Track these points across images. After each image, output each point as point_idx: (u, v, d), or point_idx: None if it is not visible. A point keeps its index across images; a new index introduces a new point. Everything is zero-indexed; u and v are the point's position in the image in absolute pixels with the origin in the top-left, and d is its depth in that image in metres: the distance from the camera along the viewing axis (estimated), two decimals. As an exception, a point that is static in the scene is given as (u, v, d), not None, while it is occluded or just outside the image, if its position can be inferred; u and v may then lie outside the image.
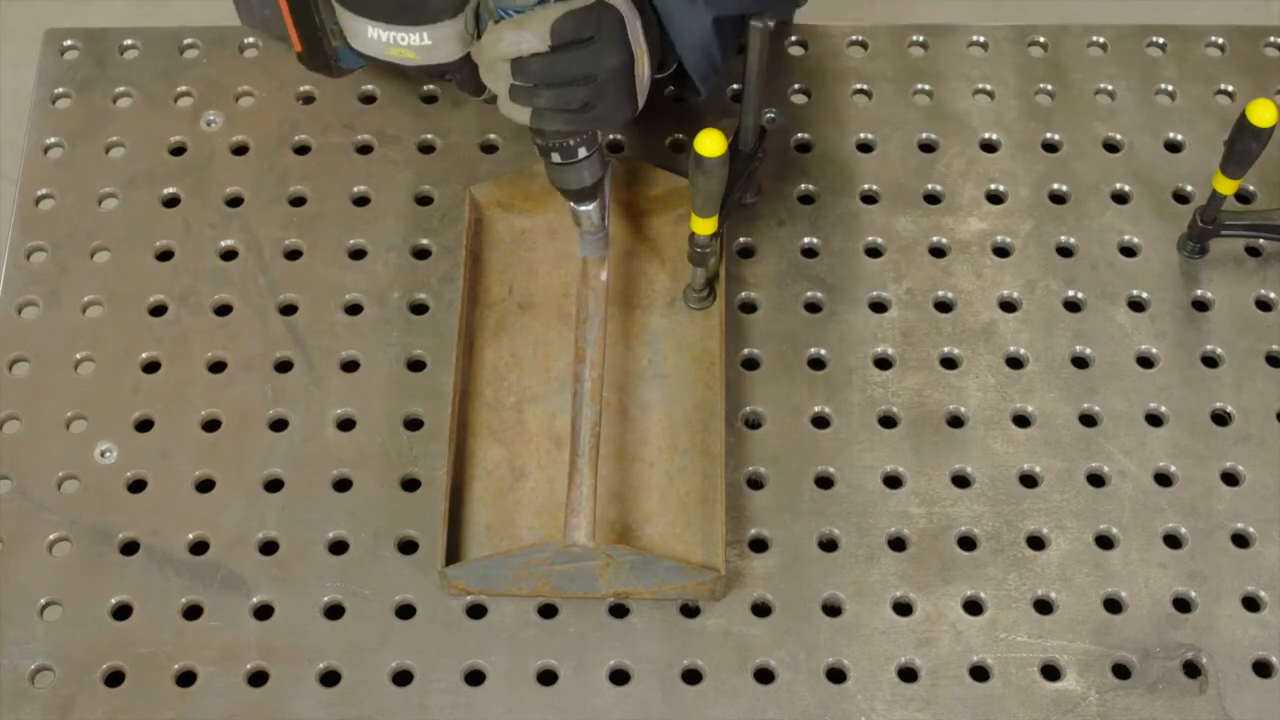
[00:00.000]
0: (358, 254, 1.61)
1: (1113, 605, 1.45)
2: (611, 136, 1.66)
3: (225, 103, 1.69)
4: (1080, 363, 1.56)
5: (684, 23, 1.44)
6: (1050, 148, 1.68)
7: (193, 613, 1.44)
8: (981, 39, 1.74)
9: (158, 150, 1.67)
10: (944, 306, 1.59)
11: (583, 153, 1.42)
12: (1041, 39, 1.74)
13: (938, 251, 1.62)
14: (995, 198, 1.65)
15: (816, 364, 1.56)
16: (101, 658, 1.42)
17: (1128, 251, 1.62)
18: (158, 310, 1.58)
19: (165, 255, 1.61)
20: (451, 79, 1.43)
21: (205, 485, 1.50)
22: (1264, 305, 1.59)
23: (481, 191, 1.58)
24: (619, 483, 1.48)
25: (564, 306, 1.55)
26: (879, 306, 1.59)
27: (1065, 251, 1.62)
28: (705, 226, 1.46)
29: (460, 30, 1.36)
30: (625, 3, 1.36)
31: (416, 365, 1.55)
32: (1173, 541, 1.48)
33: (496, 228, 1.60)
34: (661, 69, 1.46)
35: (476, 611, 1.44)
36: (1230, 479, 1.51)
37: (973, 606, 1.45)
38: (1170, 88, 1.71)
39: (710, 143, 1.37)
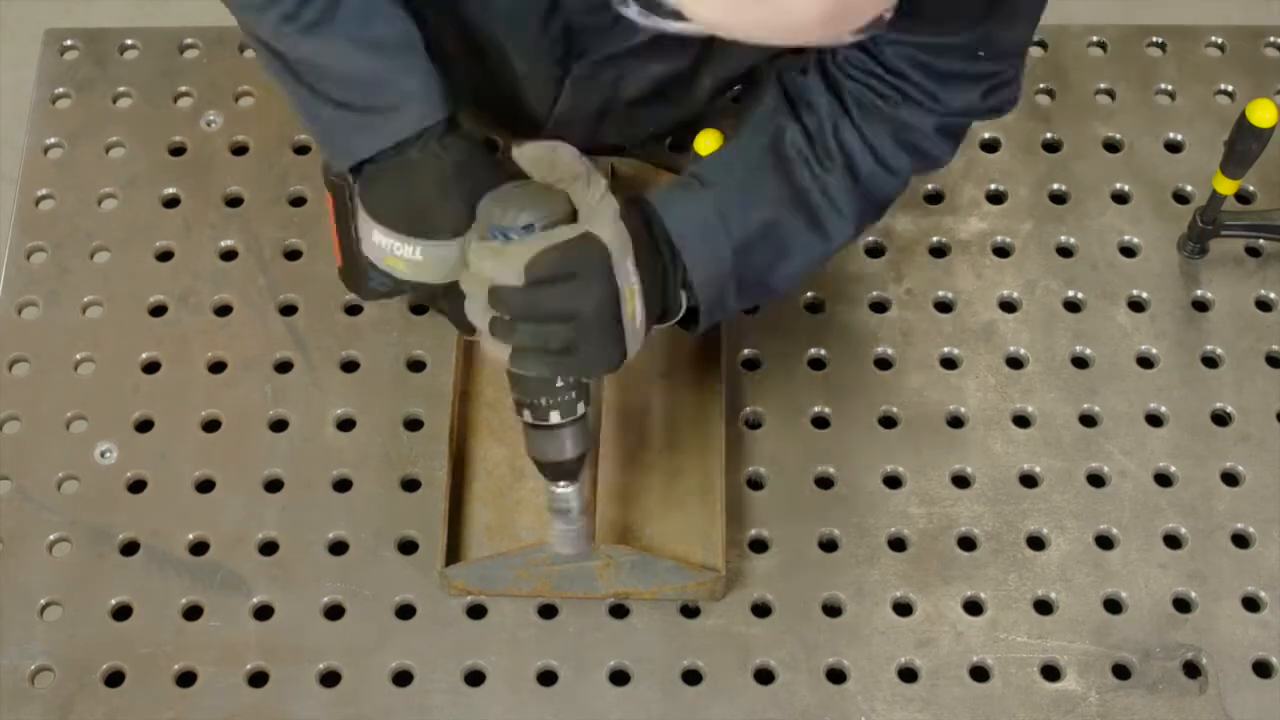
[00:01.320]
0: (358, 254, 1.61)
1: (1113, 605, 1.45)
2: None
3: (225, 103, 1.69)
4: (1080, 363, 1.56)
5: (701, 255, 1.33)
6: (1050, 148, 1.68)
7: (193, 613, 1.44)
8: (981, 39, 1.74)
9: (158, 150, 1.67)
10: (944, 306, 1.59)
11: (555, 418, 1.30)
12: (1042, 39, 1.74)
13: (938, 251, 1.62)
14: (995, 198, 1.65)
15: (816, 364, 1.56)
16: (101, 658, 1.42)
17: (1128, 251, 1.62)
18: (158, 310, 1.58)
19: (165, 255, 1.61)
20: (441, 309, 1.42)
21: (205, 485, 1.50)
22: (1264, 305, 1.59)
23: None
24: (619, 483, 1.48)
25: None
26: (879, 306, 1.59)
27: (1065, 251, 1.62)
28: None
29: (455, 255, 1.31)
30: (617, 237, 1.26)
31: (416, 365, 1.55)
32: (1173, 541, 1.48)
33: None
34: (664, 318, 1.35)
35: (476, 611, 1.44)
36: (1230, 479, 1.51)
37: (973, 607, 1.45)
38: (1170, 88, 1.71)
39: (710, 143, 1.37)
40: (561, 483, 1.35)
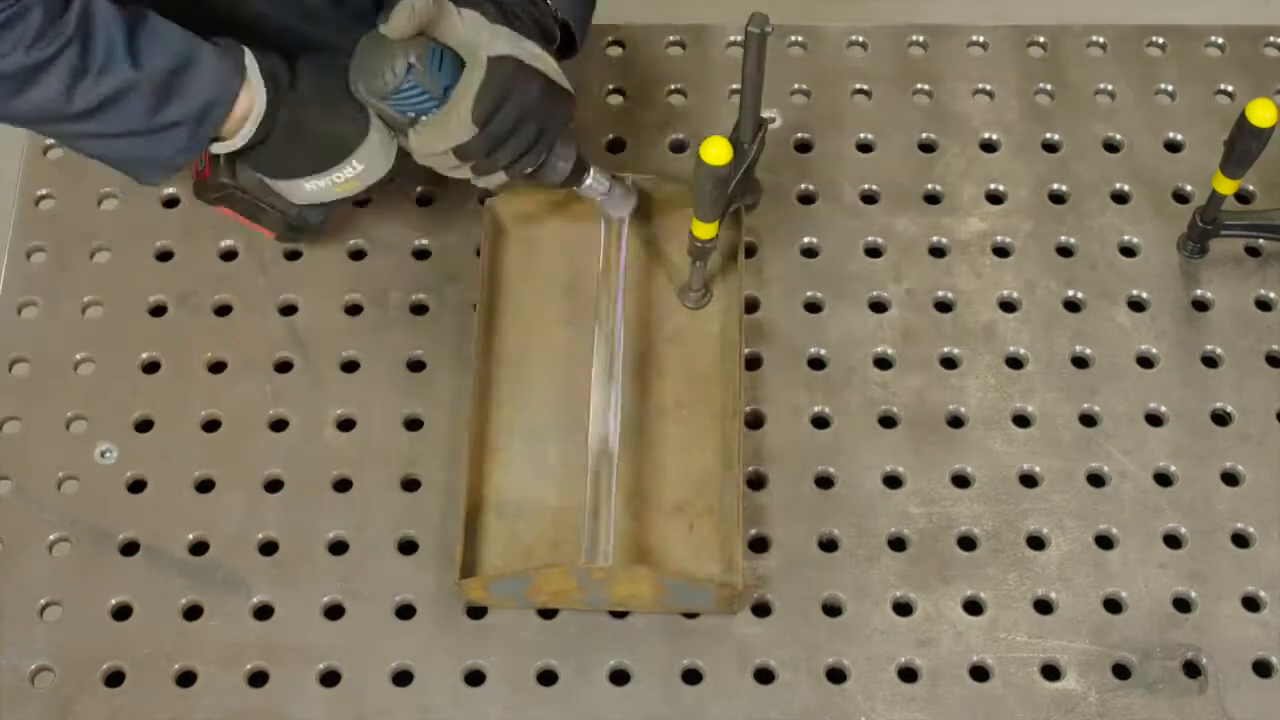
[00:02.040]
0: (358, 254, 1.61)
1: (1113, 605, 1.45)
2: (611, 136, 1.66)
3: (225, 103, 1.69)
4: (1080, 363, 1.56)
5: None
6: (1050, 148, 1.68)
7: (193, 613, 1.44)
8: (981, 39, 1.74)
9: (158, 150, 1.66)
10: (944, 306, 1.59)
11: (543, 158, 1.44)
12: (1041, 39, 1.74)
13: (938, 251, 1.62)
14: (995, 198, 1.65)
15: (816, 364, 1.56)
16: (101, 658, 1.42)
17: (1128, 251, 1.62)
18: (158, 310, 1.58)
19: (165, 255, 1.61)
20: (402, 175, 1.46)
21: (205, 485, 1.50)
22: (1264, 305, 1.59)
23: (499, 203, 1.57)
24: (638, 495, 1.47)
25: (582, 319, 1.53)
26: (879, 306, 1.59)
27: (1065, 251, 1.62)
28: (706, 230, 1.46)
29: (381, 139, 1.42)
30: (509, 36, 1.38)
31: (416, 365, 1.55)
32: (1173, 541, 1.48)
33: (513, 240, 1.59)
34: (549, 41, 1.47)
35: (476, 612, 1.44)
36: (1230, 479, 1.51)
37: (973, 606, 1.45)
38: (1170, 88, 1.71)
39: (716, 150, 1.37)
40: (580, 182, 1.49)
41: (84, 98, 1.31)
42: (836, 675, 1.42)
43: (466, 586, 1.41)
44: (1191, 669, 1.42)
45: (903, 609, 1.45)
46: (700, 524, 1.46)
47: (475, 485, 1.46)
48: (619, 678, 1.42)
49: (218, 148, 1.40)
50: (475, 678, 1.42)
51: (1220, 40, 1.74)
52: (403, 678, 1.42)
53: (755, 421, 1.52)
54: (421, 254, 1.61)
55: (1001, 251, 1.62)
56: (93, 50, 1.30)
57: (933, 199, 1.65)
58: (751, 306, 1.57)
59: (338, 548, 1.47)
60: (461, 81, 1.36)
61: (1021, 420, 1.53)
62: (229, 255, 1.61)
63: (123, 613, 1.44)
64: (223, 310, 1.58)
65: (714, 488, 1.47)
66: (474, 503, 1.45)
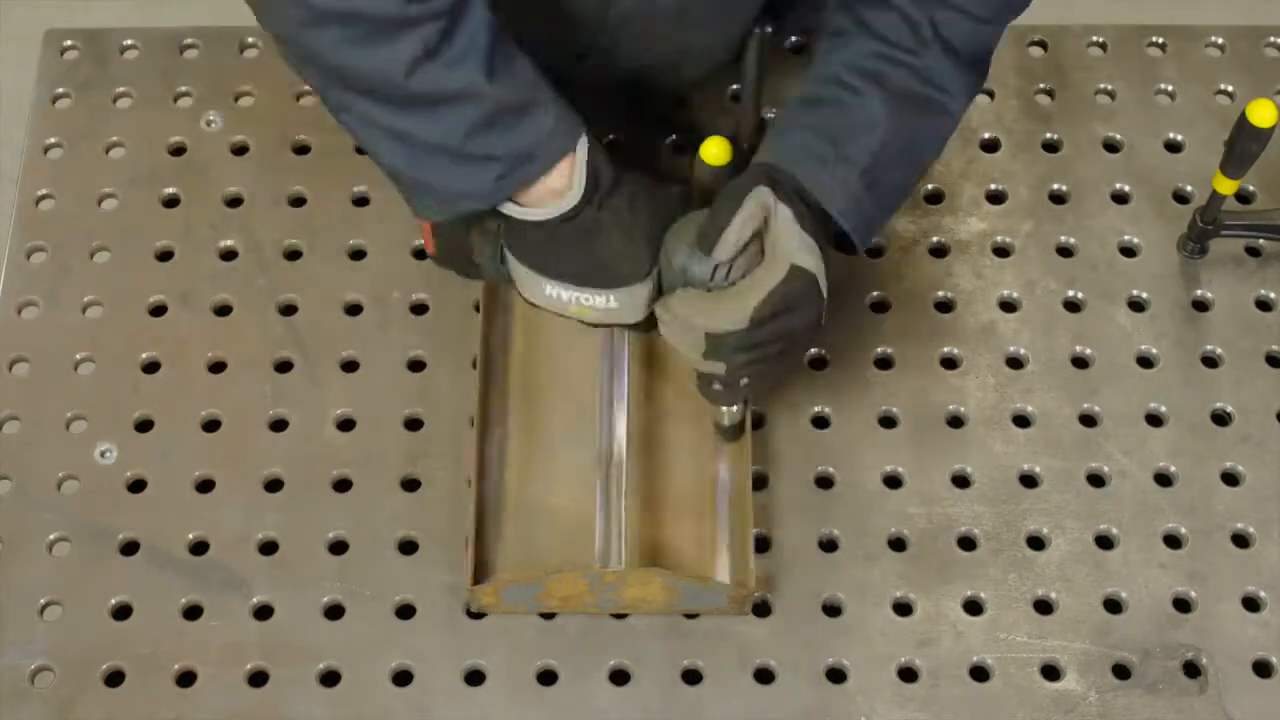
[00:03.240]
0: (358, 254, 1.61)
1: (1113, 605, 1.45)
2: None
3: (225, 103, 1.69)
4: (1080, 363, 1.56)
5: (831, 188, 1.37)
6: (1050, 148, 1.68)
7: (193, 613, 1.44)
8: (981, 39, 1.73)
9: (158, 150, 1.67)
10: (944, 306, 1.59)
11: (735, 408, 1.43)
12: (1041, 39, 1.74)
13: (938, 251, 1.62)
14: (995, 198, 1.65)
15: (816, 364, 1.56)
16: (101, 658, 1.42)
17: (1128, 251, 1.62)
18: (158, 310, 1.58)
19: (165, 255, 1.61)
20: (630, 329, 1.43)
21: (205, 485, 1.50)
22: (1264, 305, 1.59)
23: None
24: (647, 498, 1.47)
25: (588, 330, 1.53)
26: (879, 306, 1.59)
27: (1065, 251, 1.62)
28: None
29: (649, 293, 1.36)
30: (815, 252, 1.32)
31: (416, 365, 1.55)
32: (1173, 541, 1.48)
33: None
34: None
35: (476, 612, 1.44)
36: (1230, 479, 1.51)
37: (973, 606, 1.45)
38: (1170, 88, 1.71)
39: (716, 151, 1.37)
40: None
41: (422, 81, 1.24)
42: (836, 675, 1.42)
43: (479, 593, 1.40)
44: (1191, 669, 1.42)
45: (903, 609, 1.45)
46: (710, 525, 1.46)
47: (483, 490, 1.46)
48: (619, 678, 1.42)
49: (510, 209, 1.33)
50: (475, 678, 1.42)
51: (1220, 40, 1.74)
52: (403, 678, 1.42)
53: (755, 422, 1.52)
54: (422, 254, 1.61)
55: (1001, 251, 1.62)
56: (454, 39, 1.24)
57: (933, 199, 1.65)
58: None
59: (338, 548, 1.47)
60: (759, 273, 1.31)
61: (1021, 420, 1.53)
62: (229, 255, 1.61)
63: (123, 613, 1.44)
64: (223, 310, 1.58)
65: (723, 489, 1.47)
66: (482, 507, 1.45)
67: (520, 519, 1.46)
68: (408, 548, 1.47)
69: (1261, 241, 1.62)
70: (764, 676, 1.42)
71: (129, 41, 1.73)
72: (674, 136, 1.67)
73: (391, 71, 1.24)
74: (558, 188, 1.32)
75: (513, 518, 1.46)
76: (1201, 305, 1.59)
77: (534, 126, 1.29)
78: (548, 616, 1.44)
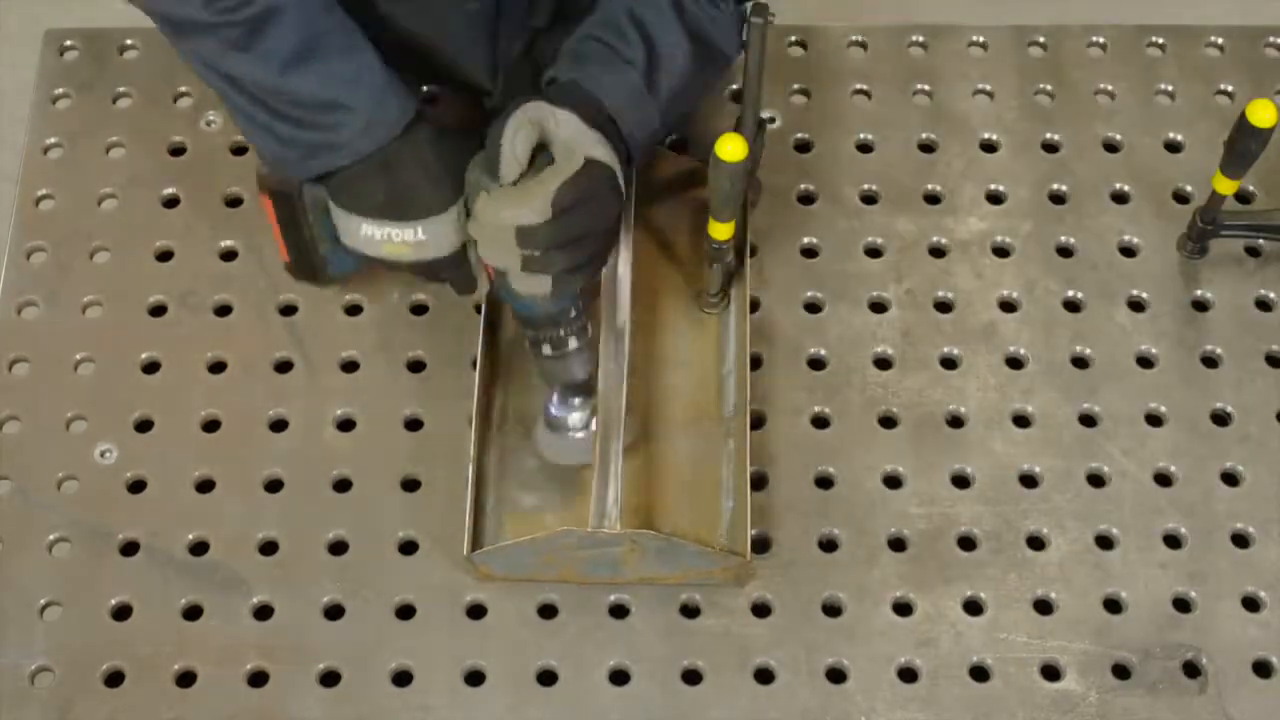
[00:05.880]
0: (358, 254, 1.61)
1: (1113, 605, 1.45)
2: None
3: (225, 103, 1.69)
4: (1080, 363, 1.56)
5: (637, 123, 1.41)
6: (1050, 148, 1.68)
7: (193, 613, 1.44)
8: (981, 39, 1.74)
9: (158, 150, 1.67)
10: (944, 306, 1.59)
11: (573, 344, 1.41)
12: (1041, 39, 1.74)
13: (938, 251, 1.62)
14: (995, 198, 1.65)
15: (816, 364, 1.56)
16: (101, 658, 1.42)
17: (1128, 251, 1.62)
18: (158, 310, 1.58)
19: (165, 255, 1.61)
20: (445, 279, 1.44)
21: (205, 485, 1.50)
22: (1264, 305, 1.59)
23: None
24: (643, 468, 1.48)
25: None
26: (879, 306, 1.59)
27: (1065, 251, 1.62)
28: (723, 231, 1.46)
29: (454, 223, 1.37)
30: (606, 148, 1.35)
31: (416, 366, 1.55)
32: (1173, 541, 1.48)
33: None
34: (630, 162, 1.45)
35: (476, 611, 1.44)
36: (1230, 479, 1.51)
37: (973, 606, 1.45)
38: (1170, 88, 1.71)
39: (731, 147, 1.36)
40: (577, 399, 1.45)
41: (233, 68, 1.35)
42: (836, 675, 1.42)
43: (477, 560, 1.41)
44: (1191, 669, 1.42)
45: (903, 609, 1.45)
46: (707, 497, 1.46)
47: (481, 469, 1.46)
48: (619, 678, 1.42)
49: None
50: (475, 678, 1.42)
51: (1220, 40, 1.74)
52: (403, 678, 1.42)
53: (756, 421, 1.52)
54: (421, 254, 1.61)
55: (1001, 251, 1.62)
56: (259, 38, 1.33)
57: (933, 199, 1.65)
58: (752, 306, 1.57)
59: (338, 548, 1.47)
60: (554, 166, 1.33)
61: (1021, 420, 1.53)
62: (229, 255, 1.61)
63: (123, 613, 1.44)
64: (223, 310, 1.58)
65: (721, 461, 1.47)
66: (481, 474, 1.46)
67: (517, 493, 1.47)
68: (408, 548, 1.47)
69: (1261, 241, 1.62)
70: (764, 676, 1.42)
71: (129, 41, 1.73)
72: (674, 136, 1.66)
73: (208, 56, 1.37)
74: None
75: (510, 491, 1.47)
76: (1201, 305, 1.59)
77: (340, 124, 1.35)
78: (548, 616, 1.44)
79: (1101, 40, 1.74)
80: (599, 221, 1.36)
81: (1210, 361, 1.57)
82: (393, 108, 1.36)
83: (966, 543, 1.48)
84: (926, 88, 1.71)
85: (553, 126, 1.34)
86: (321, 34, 1.35)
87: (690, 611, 1.44)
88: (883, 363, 1.56)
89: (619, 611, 1.44)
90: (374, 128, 1.36)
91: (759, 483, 1.49)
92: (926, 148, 1.68)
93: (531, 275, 1.34)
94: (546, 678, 1.42)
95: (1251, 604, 1.45)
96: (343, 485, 1.50)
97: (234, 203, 1.64)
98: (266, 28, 1.33)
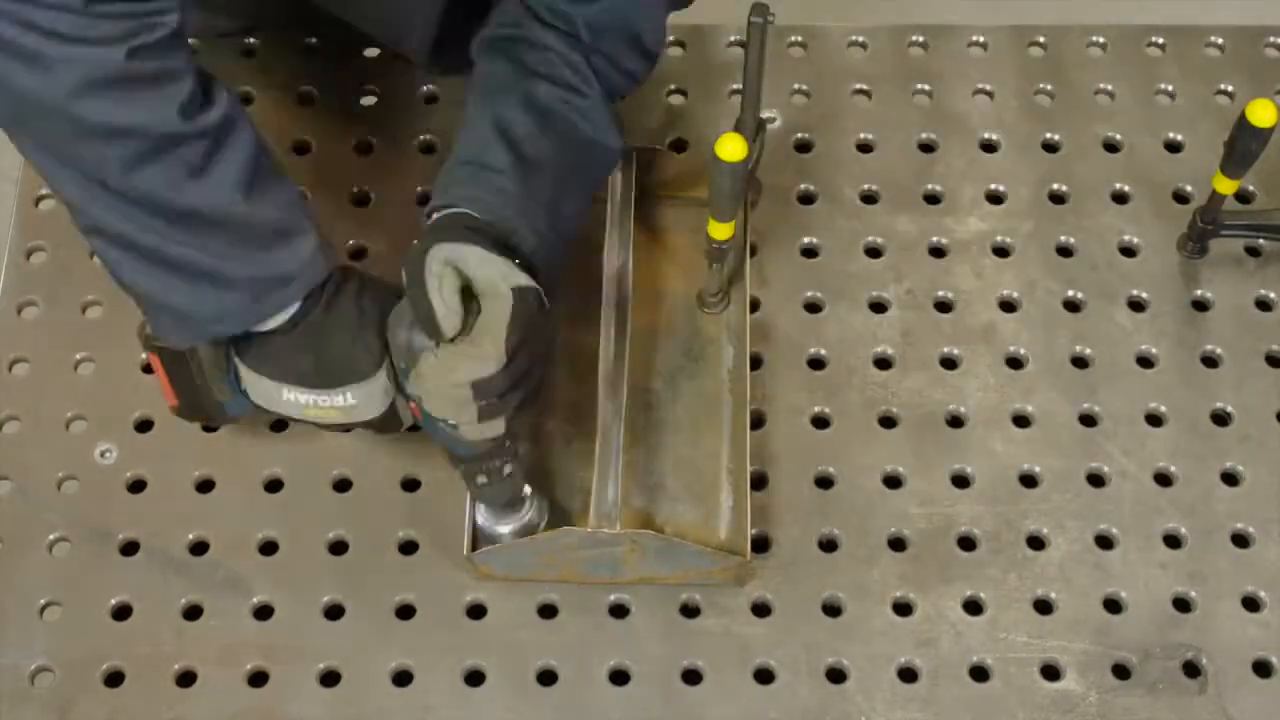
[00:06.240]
0: (357, 253, 1.61)
1: (1113, 605, 1.45)
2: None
3: (225, 103, 1.69)
4: (1080, 363, 1.56)
5: (531, 239, 1.37)
6: (1050, 148, 1.68)
7: (193, 613, 1.44)
8: (981, 39, 1.74)
9: (158, 150, 1.66)
10: (944, 306, 1.59)
11: (508, 469, 1.37)
12: (1041, 39, 1.74)
13: (938, 251, 1.62)
14: (995, 198, 1.65)
15: (816, 364, 1.56)
16: (101, 658, 1.42)
17: (1128, 251, 1.62)
18: (158, 310, 1.58)
19: (165, 255, 1.61)
20: (369, 428, 1.40)
21: (205, 485, 1.50)
22: (1264, 305, 1.59)
23: None
24: (643, 468, 1.48)
25: (589, 298, 1.53)
26: (879, 306, 1.59)
27: (1065, 251, 1.62)
28: (723, 231, 1.46)
29: (384, 383, 1.35)
30: (518, 270, 1.30)
31: (416, 365, 1.55)
32: (1173, 541, 1.48)
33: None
34: None
35: (476, 611, 1.44)
36: (1230, 479, 1.51)
37: (973, 606, 1.45)
38: (1170, 88, 1.71)
39: (732, 147, 1.36)
40: (510, 515, 1.42)
41: (187, 197, 1.26)
42: (836, 675, 1.42)
43: (477, 559, 1.41)
44: (1191, 669, 1.42)
45: (903, 609, 1.45)
46: (707, 497, 1.46)
47: None
48: (619, 678, 1.42)
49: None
50: (475, 678, 1.42)
51: (1220, 40, 1.74)
52: (403, 678, 1.42)
53: (755, 421, 1.52)
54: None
55: (1001, 251, 1.62)
56: (217, 158, 1.26)
57: (933, 199, 1.65)
58: (752, 306, 1.57)
59: (338, 548, 1.47)
60: (489, 311, 1.28)
61: (1021, 420, 1.53)
62: (229, 255, 1.61)
63: (123, 613, 1.44)
64: (223, 310, 1.58)
65: (721, 461, 1.47)
66: None
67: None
68: (408, 548, 1.47)
69: (1261, 241, 1.62)
70: (764, 676, 1.42)
71: (129, 41, 1.72)
72: (674, 136, 1.66)
73: (159, 185, 1.25)
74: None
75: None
76: (1201, 305, 1.59)
77: (295, 251, 1.31)
78: (548, 616, 1.44)
79: (1101, 40, 1.74)
80: (542, 347, 1.33)
81: (1210, 361, 1.57)
82: (320, 257, 1.33)
83: (966, 543, 1.48)
84: (926, 88, 1.71)
85: (468, 266, 1.30)
86: (259, 154, 1.31)
87: (690, 611, 1.44)
88: (883, 363, 1.56)
89: (619, 611, 1.44)
90: (325, 251, 1.33)
91: (759, 483, 1.49)
92: (926, 148, 1.68)
93: (487, 422, 1.31)
94: (546, 678, 1.42)
95: (1251, 604, 1.45)
96: (343, 485, 1.50)
97: (234, 203, 1.64)
98: (227, 138, 1.27)
